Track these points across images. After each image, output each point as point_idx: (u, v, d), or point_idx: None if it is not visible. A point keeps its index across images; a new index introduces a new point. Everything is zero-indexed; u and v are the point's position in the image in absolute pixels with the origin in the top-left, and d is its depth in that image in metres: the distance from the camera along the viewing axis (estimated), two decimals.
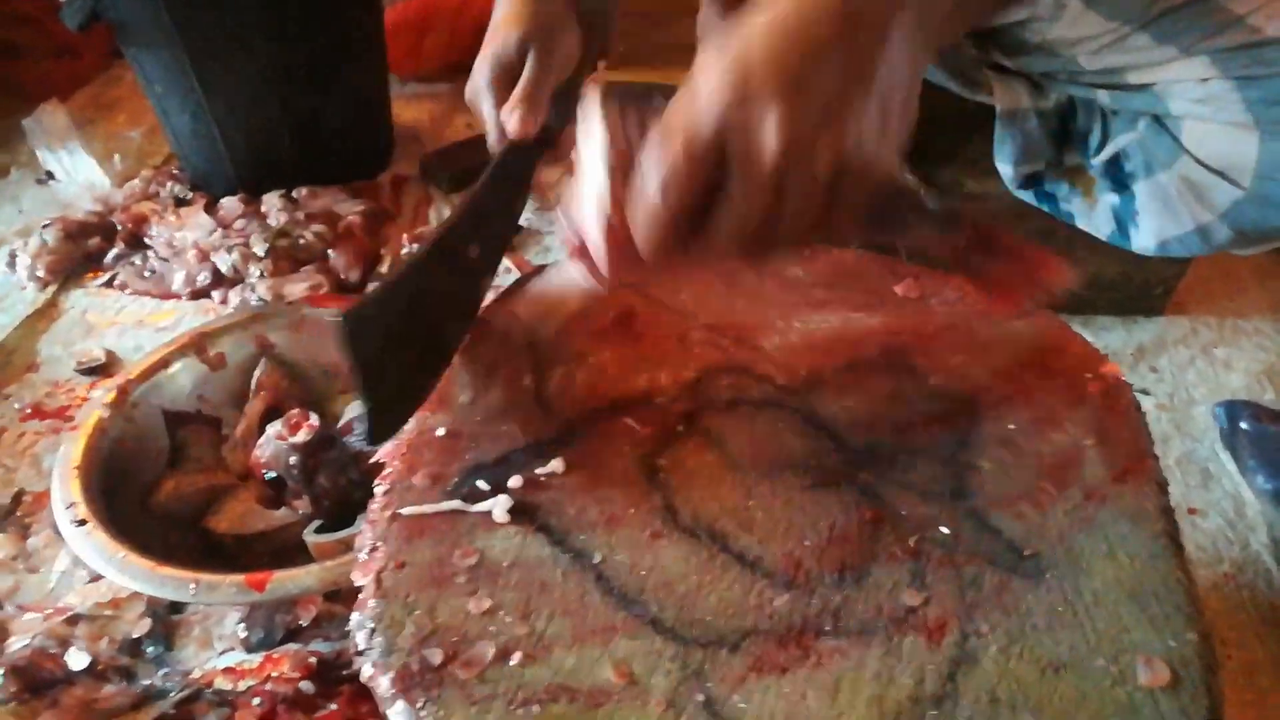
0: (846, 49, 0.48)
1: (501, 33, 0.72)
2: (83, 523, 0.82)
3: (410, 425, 0.61)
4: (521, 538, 0.53)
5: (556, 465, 0.57)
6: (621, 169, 0.50)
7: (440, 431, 0.60)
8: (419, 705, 0.45)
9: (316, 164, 1.45)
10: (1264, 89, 0.83)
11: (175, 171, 1.49)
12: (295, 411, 0.92)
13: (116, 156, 1.52)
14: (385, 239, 1.39)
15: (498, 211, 0.69)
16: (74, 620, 0.85)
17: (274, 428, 0.91)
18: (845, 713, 0.45)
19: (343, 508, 0.91)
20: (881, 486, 0.56)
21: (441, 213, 1.45)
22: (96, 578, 0.87)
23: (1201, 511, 0.96)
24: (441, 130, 1.64)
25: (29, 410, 1.11)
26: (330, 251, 1.31)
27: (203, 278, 1.28)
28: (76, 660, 0.81)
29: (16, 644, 0.83)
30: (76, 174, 1.50)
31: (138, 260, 1.33)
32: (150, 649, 0.84)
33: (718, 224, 0.49)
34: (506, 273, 1.31)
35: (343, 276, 1.30)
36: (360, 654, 0.48)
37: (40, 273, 1.29)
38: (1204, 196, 0.91)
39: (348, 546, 0.83)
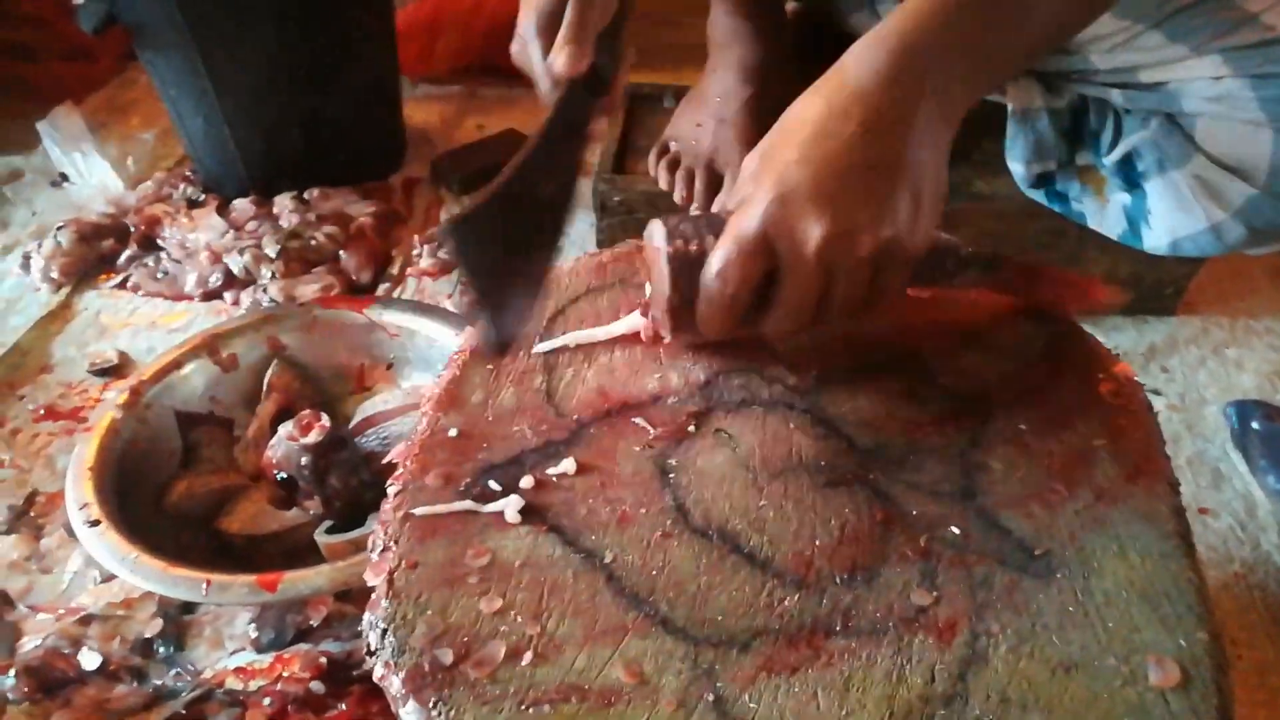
0: (872, 146, 0.54)
1: None
2: (96, 523, 0.82)
3: (423, 424, 0.61)
4: (533, 538, 0.53)
5: (568, 465, 0.57)
6: (684, 270, 0.58)
7: (452, 432, 0.60)
8: (430, 705, 0.46)
9: (328, 166, 1.46)
10: (1277, 87, 0.83)
11: (188, 173, 1.50)
12: (307, 412, 0.92)
13: (130, 159, 1.53)
14: (396, 240, 1.39)
15: (564, 152, 0.69)
16: (86, 620, 0.85)
17: (285, 429, 0.92)
18: (855, 712, 0.45)
19: (354, 508, 0.91)
20: (892, 486, 0.56)
21: (452, 214, 1.45)
22: (109, 578, 0.87)
23: (1213, 511, 0.96)
24: (453, 132, 1.64)
25: (42, 411, 1.11)
26: (342, 253, 1.32)
27: (215, 279, 1.29)
28: (89, 660, 0.82)
29: (30, 644, 0.84)
30: (90, 176, 1.50)
31: (150, 262, 1.33)
32: (162, 649, 0.85)
33: (774, 309, 0.57)
34: None
35: (354, 278, 1.30)
36: (372, 654, 0.49)
37: (54, 274, 1.30)
38: (1217, 194, 0.91)
39: (359, 547, 0.84)
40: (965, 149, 1.19)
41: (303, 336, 1.08)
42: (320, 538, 0.88)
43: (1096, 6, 0.67)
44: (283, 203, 1.40)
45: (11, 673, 0.81)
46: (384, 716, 0.77)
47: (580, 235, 1.38)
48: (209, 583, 0.78)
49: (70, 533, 0.85)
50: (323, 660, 0.80)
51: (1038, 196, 1.10)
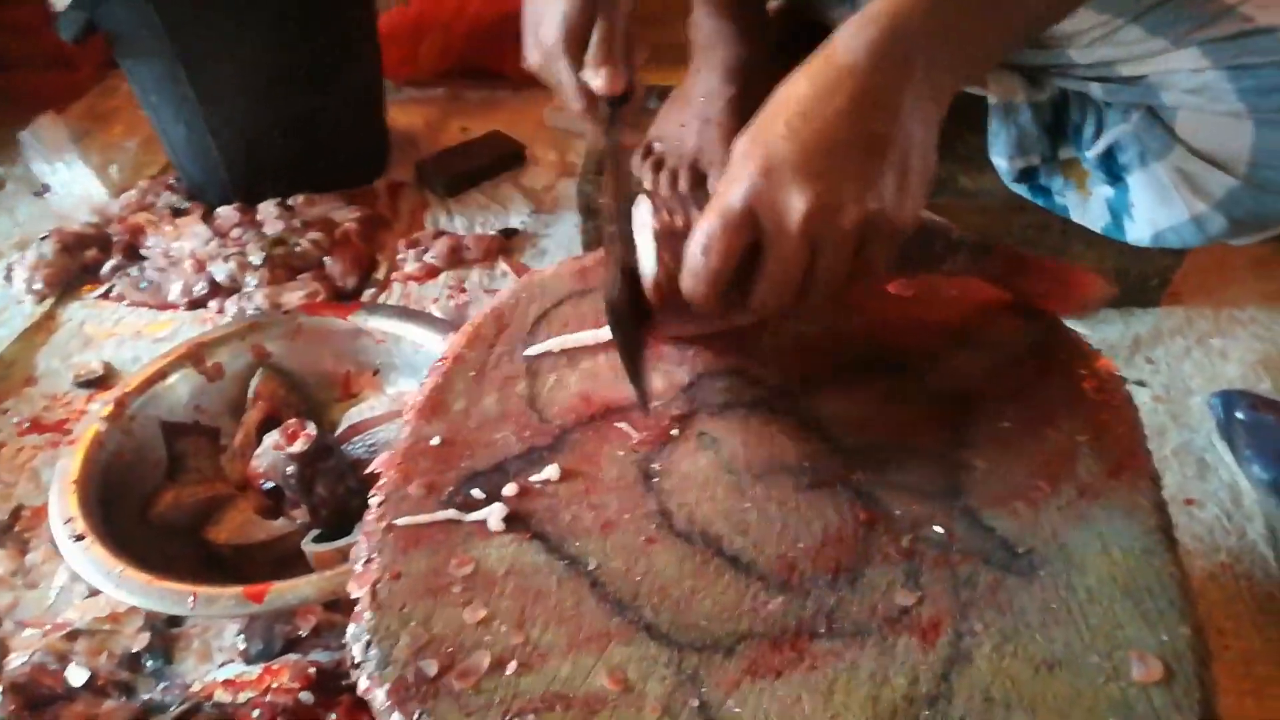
0: (859, 122, 0.54)
1: None
2: (80, 538, 0.82)
3: (405, 433, 0.61)
4: (517, 546, 0.53)
5: (551, 472, 0.57)
6: (668, 244, 0.57)
7: (435, 440, 0.60)
8: (415, 717, 0.45)
9: (312, 171, 1.45)
10: (1256, 78, 0.83)
11: (171, 181, 1.50)
12: (292, 421, 0.92)
13: (113, 167, 1.53)
14: (381, 245, 1.39)
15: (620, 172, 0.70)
16: (73, 635, 0.85)
17: (271, 438, 0.91)
18: (840, 714, 0.45)
19: (341, 516, 0.91)
20: (875, 487, 0.56)
21: (438, 218, 1.45)
22: (95, 592, 0.87)
23: (1199, 502, 0.96)
24: (437, 135, 1.64)
25: (27, 424, 1.11)
26: (327, 259, 1.32)
27: (200, 287, 1.28)
28: (76, 676, 0.81)
29: (16, 660, 0.83)
30: (73, 185, 1.50)
31: (134, 271, 1.33)
32: (149, 663, 0.84)
33: (758, 284, 0.56)
34: (503, 276, 1.32)
35: (339, 283, 1.30)
36: (356, 666, 0.49)
37: (37, 285, 1.30)
38: (1199, 186, 0.91)
39: (347, 555, 0.84)
40: (949, 144, 1.18)
41: (288, 344, 1.07)
42: (308, 546, 0.88)
43: None
44: (267, 209, 1.39)
45: None
46: None
47: (567, 237, 1.39)
48: (195, 596, 0.78)
49: (56, 547, 0.84)
50: (312, 670, 0.80)
51: (1021, 191, 1.10)
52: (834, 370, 0.63)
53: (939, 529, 0.53)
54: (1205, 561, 0.91)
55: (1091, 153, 1.01)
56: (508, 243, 1.38)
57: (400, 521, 0.54)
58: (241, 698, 0.79)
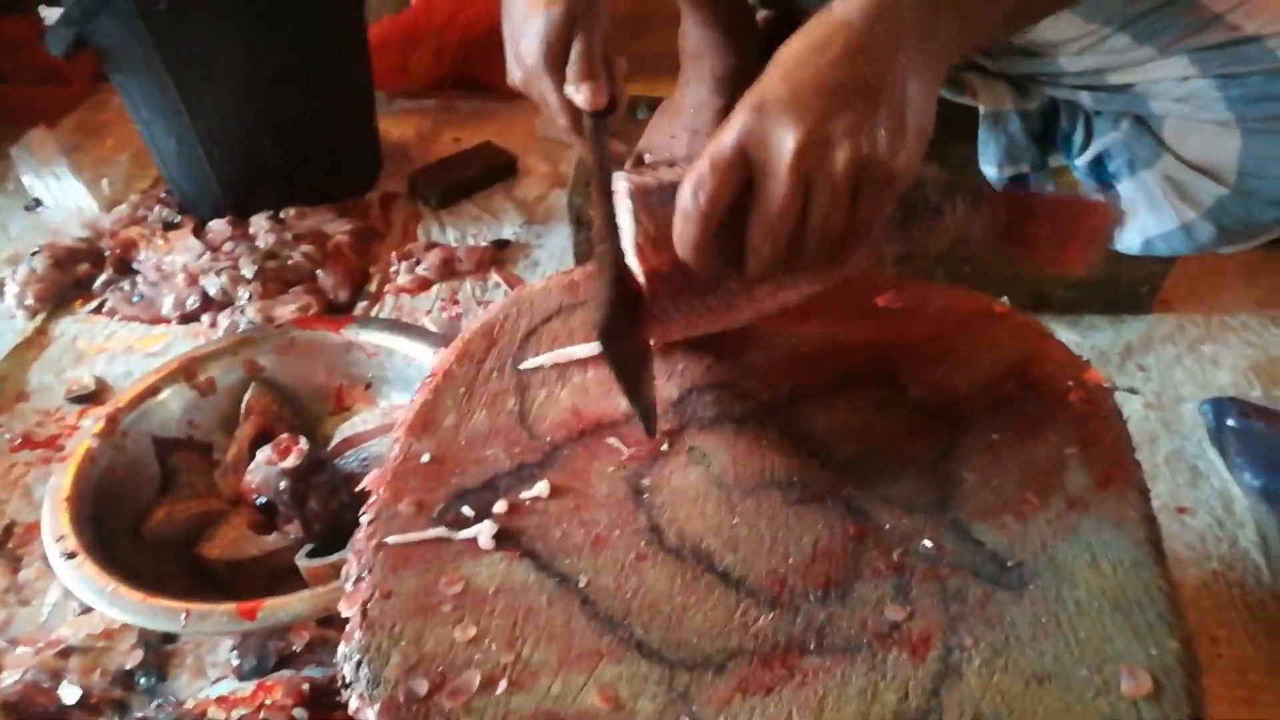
0: (850, 67, 0.53)
1: (543, 9, 0.72)
2: (72, 555, 0.82)
3: (395, 450, 0.61)
4: (507, 564, 0.53)
5: (541, 488, 0.57)
6: (644, 204, 0.57)
7: (425, 457, 0.60)
8: None
9: (304, 184, 1.45)
10: (1244, 86, 0.84)
11: (163, 195, 1.49)
12: (285, 436, 0.92)
13: (105, 181, 1.52)
14: (374, 257, 1.39)
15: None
16: (66, 653, 0.85)
17: (264, 453, 0.91)
18: None
19: (334, 531, 0.91)
20: (865, 501, 0.56)
21: (430, 229, 1.45)
22: (88, 609, 0.87)
23: (1190, 509, 0.96)
24: (429, 146, 1.64)
25: (19, 440, 1.11)
26: (319, 271, 1.32)
27: (192, 301, 1.28)
28: (69, 694, 0.81)
29: (9, 678, 0.83)
30: (64, 200, 1.50)
31: (126, 286, 1.33)
32: (143, 680, 0.84)
33: (752, 228, 0.54)
34: (496, 287, 1.32)
35: (332, 296, 1.30)
36: (346, 686, 0.49)
37: (29, 301, 1.29)
38: (1187, 194, 0.92)
39: (340, 570, 0.83)
40: (938, 154, 1.19)
41: (280, 358, 1.07)
42: (301, 561, 0.88)
43: None
44: (259, 223, 1.39)
45: None
46: None
47: (559, 248, 1.39)
48: (188, 613, 0.78)
49: (49, 564, 0.84)
50: (305, 686, 0.79)
51: None
52: (823, 384, 0.63)
53: (928, 543, 0.54)
54: (1197, 569, 0.91)
55: (1081, 161, 1.01)
56: (500, 254, 1.38)
57: (390, 540, 0.54)
58: (235, 715, 0.79)
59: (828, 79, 0.53)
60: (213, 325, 1.26)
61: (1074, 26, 0.87)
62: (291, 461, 0.90)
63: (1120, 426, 0.60)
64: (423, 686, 0.47)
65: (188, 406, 1.03)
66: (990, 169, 1.07)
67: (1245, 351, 1.16)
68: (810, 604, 0.51)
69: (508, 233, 1.43)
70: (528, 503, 0.57)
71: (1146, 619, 0.49)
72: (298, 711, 0.77)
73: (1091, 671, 0.47)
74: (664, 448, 0.60)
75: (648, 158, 1.19)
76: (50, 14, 1.27)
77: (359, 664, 0.49)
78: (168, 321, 1.28)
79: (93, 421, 0.97)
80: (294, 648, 0.84)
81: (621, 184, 0.59)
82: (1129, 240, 1.00)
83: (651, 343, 0.64)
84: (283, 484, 0.90)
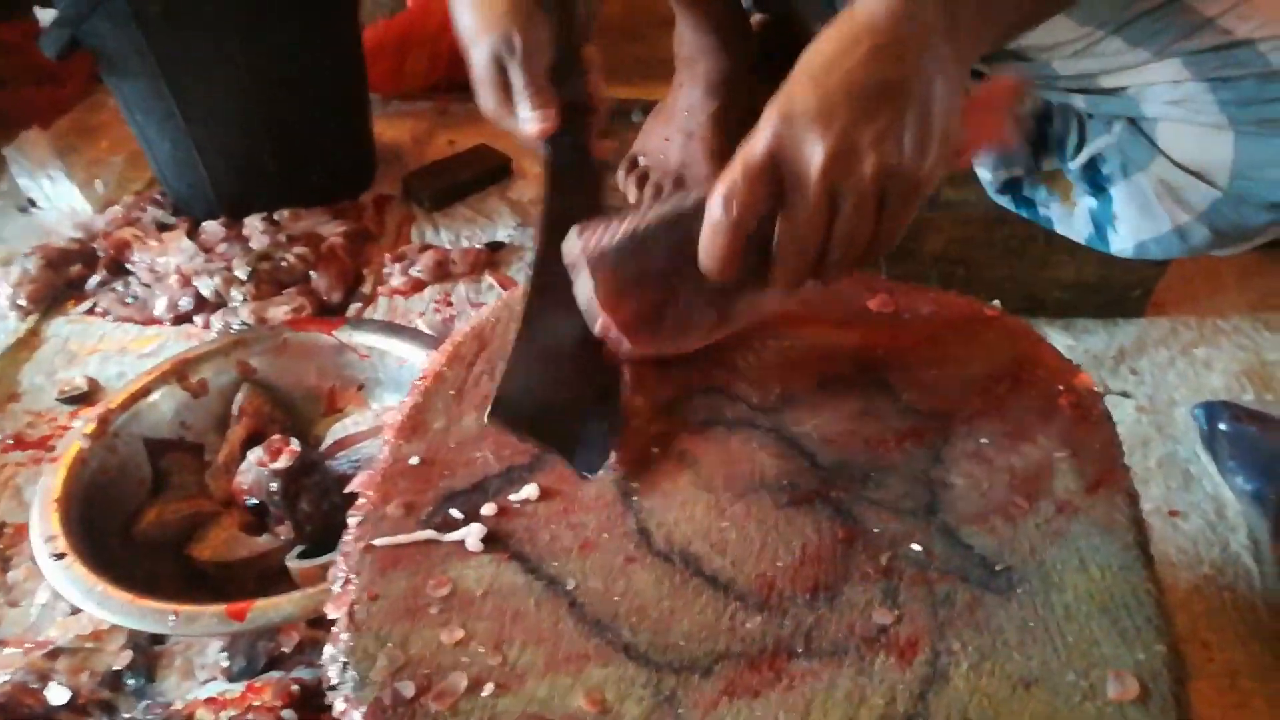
0: (877, 71, 0.54)
1: (473, 52, 0.72)
2: (61, 556, 0.82)
3: (384, 453, 0.61)
4: (495, 566, 0.53)
5: (530, 491, 0.57)
6: (600, 263, 0.57)
7: (414, 460, 0.60)
8: None
9: (299, 186, 1.45)
10: (1237, 90, 0.84)
11: (157, 196, 1.49)
12: (276, 437, 0.92)
13: (98, 182, 1.52)
14: (368, 259, 1.39)
15: (576, 204, 0.70)
16: (54, 654, 0.84)
17: (255, 454, 0.91)
18: None
19: (326, 532, 0.90)
20: (854, 504, 0.56)
21: (424, 231, 1.45)
22: (77, 610, 0.86)
23: (1182, 513, 0.96)
24: (424, 148, 1.64)
25: (10, 441, 1.10)
26: (313, 273, 1.31)
27: (185, 303, 1.28)
28: (57, 695, 0.81)
29: None
30: (58, 201, 1.49)
31: (120, 287, 1.32)
32: (131, 681, 0.84)
33: (780, 238, 0.55)
34: (490, 289, 1.32)
35: (325, 298, 1.30)
36: (333, 688, 0.48)
37: (21, 302, 1.29)
38: (1181, 197, 0.92)
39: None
40: None
41: (273, 360, 1.07)
42: (292, 563, 0.87)
43: None
44: (253, 224, 1.39)
45: None
46: None
47: None
48: (177, 614, 0.77)
49: (38, 565, 0.84)
50: (295, 688, 0.79)
51: (1005, 202, 1.10)
52: (813, 387, 0.63)
53: (917, 546, 0.54)
54: (1189, 573, 0.91)
55: (1074, 164, 1.01)
56: (494, 256, 1.38)
57: (378, 542, 0.54)
58: (224, 716, 0.79)
59: (855, 84, 0.53)
60: (206, 326, 1.26)
61: (1067, 30, 0.87)
62: (283, 463, 0.90)
63: (1110, 431, 0.60)
64: (409, 689, 0.47)
65: (179, 408, 1.03)
66: (984, 171, 1.07)
67: (1238, 355, 1.16)
68: (798, 607, 0.51)
69: (502, 235, 1.43)
70: (516, 505, 0.57)
71: (1134, 623, 0.49)
72: (286, 713, 0.77)
73: (1079, 676, 0.47)
74: (654, 451, 0.60)
75: (642, 160, 1.19)
76: (45, 16, 1.27)
77: (345, 666, 0.49)
78: (161, 323, 1.28)
79: (84, 422, 0.97)
80: (284, 649, 0.83)
81: (574, 244, 0.58)
82: (1122, 244, 1.00)
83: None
84: (274, 485, 0.90)
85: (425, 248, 1.38)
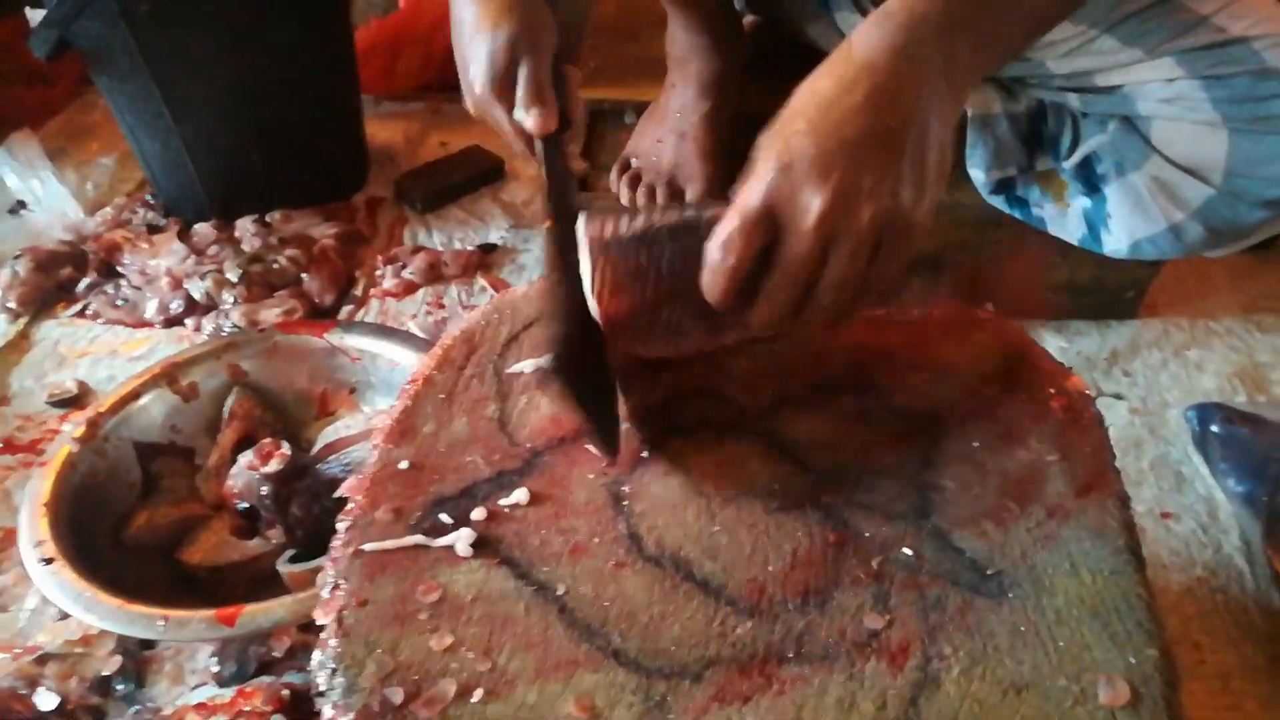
0: (876, 118, 0.54)
1: (487, 36, 0.72)
2: (49, 561, 0.81)
3: (374, 457, 0.60)
4: (485, 571, 0.53)
5: (520, 495, 0.57)
6: (603, 253, 0.57)
7: (403, 464, 0.59)
8: None
9: (290, 187, 1.45)
10: (1230, 87, 0.84)
11: (148, 198, 1.49)
12: (267, 441, 0.91)
13: (89, 184, 1.52)
14: (360, 261, 1.38)
15: (569, 203, 0.70)
16: (43, 659, 0.84)
17: (245, 458, 0.91)
18: None
19: (317, 536, 0.90)
20: (845, 508, 0.56)
21: (416, 233, 1.45)
22: (66, 615, 0.86)
23: (1175, 515, 0.96)
24: (416, 150, 1.63)
25: (0, 445, 1.10)
26: (304, 275, 1.31)
27: (176, 305, 1.28)
28: (46, 701, 0.80)
29: None
30: (48, 203, 1.49)
31: (110, 289, 1.32)
32: (121, 687, 0.83)
33: (770, 280, 0.55)
34: (482, 292, 1.32)
35: (317, 300, 1.29)
36: (321, 694, 0.48)
37: (11, 304, 1.28)
38: (1175, 195, 0.92)
39: None
40: None
41: (264, 363, 1.07)
42: (283, 567, 0.87)
43: None
44: (244, 226, 1.39)
45: None
46: None
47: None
48: (166, 619, 0.77)
49: (27, 570, 0.83)
50: (285, 693, 0.79)
51: (998, 203, 1.10)
52: (804, 391, 0.63)
53: (908, 550, 0.53)
54: (1182, 575, 0.91)
55: (1069, 163, 1.01)
56: (487, 258, 1.38)
57: (367, 547, 0.54)
58: None
59: (852, 132, 0.54)
60: (197, 329, 1.26)
61: (1061, 29, 0.87)
62: (274, 466, 0.89)
63: (1101, 434, 0.60)
64: (398, 695, 0.47)
65: (170, 411, 1.03)
66: (978, 172, 1.07)
67: (1230, 357, 1.16)
68: (789, 612, 0.51)
69: (494, 237, 1.43)
70: (506, 510, 0.56)
71: (1125, 627, 0.49)
72: (277, 718, 0.77)
73: (1070, 680, 0.47)
74: (644, 454, 0.60)
75: (634, 162, 1.19)
76: (35, 16, 1.26)
77: (334, 672, 0.48)
78: (151, 325, 1.27)
79: (73, 426, 0.96)
80: (275, 653, 0.83)
81: (582, 231, 0.58)
82: (1116, 243, 1.00)
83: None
84: (265, 489, 0.89)
85: (417, 250, 1.38)
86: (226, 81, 1.32)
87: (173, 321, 1.27)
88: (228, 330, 1.22)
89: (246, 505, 0.92)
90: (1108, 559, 0.52)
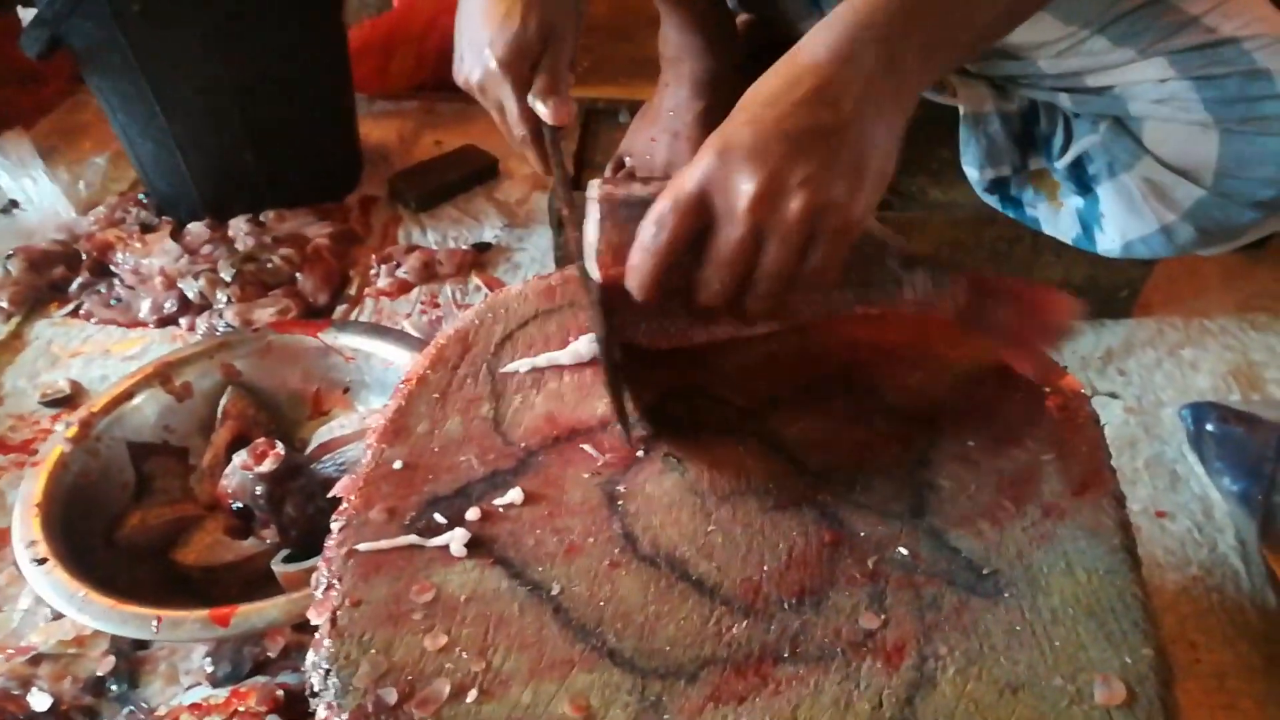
0: (815, 113, 0.54)
1: (520, 18, 0.72)
2: (42, 561, 0.81)
3: (368, 457, 0.60)
4: (479, 571, 0.53)
5: (515, 495, 0.57)
6: (612, 215, 0.57)
7: (397, 464, 0.59)
8: None
9: (284, 187, 1.44)
10: (1221, 88, 0.84)
11: (141, 197, 1.48)
12: (261, 441, 0.91)
13: (81, 183, 1.51)
14: (354, 260, 1.38)
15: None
16: (37, 660, 0.84)
17: (239, 458, 0.90)
18: None
19: (311, 536, 0.90)
20: (840, 508, 0.56)
21: (410, 232, 1.44)
22: (59, 616, 0.86)
23: (1170, 514, 0.97)
24: (410, 149, 1.63)
25: None
26: (298, 275, 1.31)
27: (169, 305, 1.27)
28: (39, 701, 0.80)
29: None
30: (41, 202, 1.48)
31: (103, 289, 1.32)
32: (114, 687, 0.83)
33: (704, 264, 0.55)
34: (476, 291, 1.31)
35: (311, 299, 1.29)
36: (315, 695, 0.48)
37: (3, 304, 1.28)
38: (1167, 196, 0.92)
39: None
40: (921, 158, 1.19)
41: (257, 362, 1.06)
42: (277, 567, 0.87)
43: None
44: (238, 225, 1.38)
45: None
46: None
47: (541, 251, 1.38)
48: (160, 620, 0.77)
49: (20, 570, 0.83)
50: (279, 693, 0.79)
51: (992, 202, 1.10)
52: (799, 391, 0.63)
53: (904, 550, 0.53)
54: (1177, 574, 0.91)
55: (1061, 163, 1.01)
56: (481, 257, 1.38)
57: (361, 547, 0.54)
58: None
59: (791, 125, 0.54)
60: (191, 328, 1.25)
61: (1053, 29, 0.87)
62: (268, 466, 0.89)
63: (1096, 433, 0.60)
64: (392, 695, 0.47)
65: (163, 411, 1.02)
66: (972, 170, 1.07)
67: (1224, 355, 1.16)
68: (785, 612, 0.50)
69: (489, 235, 1.42)
70: (501, 510, 0.56)
71: (1121, 627, 0.49)
72: (271, 718, 0.76)
73: (1065, 680, 0.47)
74: (639, 454, 0.59)
75: (628, 161, 1.19)
76: (26, 14, 1.26)
77: (327, 673, 0.48)
78: (145, 325, 1.27)
79: (66, 426, 0.96)
80: (269, 654, 0.83)
81: (594, 190, 0.58)
82: (1109, 243, 1.00)
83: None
84: (259, 489, 0.89)
85: (411, 249, 1.38)
86: (219, 80, 1.32)
87: (166, 321, 1.27)
88: (221, 330, 1.21)
89: (240, 505, 0.92)
90: (1103, 558, 0.52)
